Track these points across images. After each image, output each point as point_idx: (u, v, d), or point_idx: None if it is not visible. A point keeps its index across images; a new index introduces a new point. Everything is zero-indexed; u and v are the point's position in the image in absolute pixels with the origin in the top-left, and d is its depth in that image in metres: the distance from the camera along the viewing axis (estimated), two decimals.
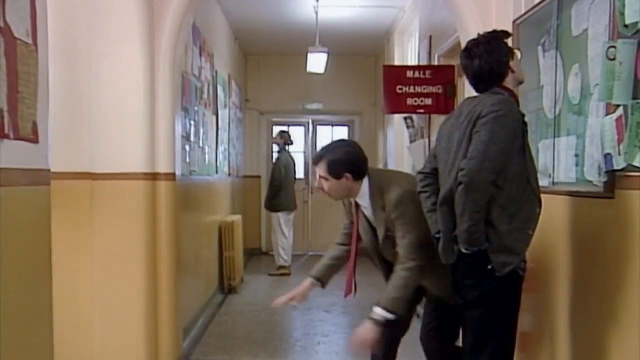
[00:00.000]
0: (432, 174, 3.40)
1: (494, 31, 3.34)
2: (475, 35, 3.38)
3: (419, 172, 3.51)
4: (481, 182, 2.97)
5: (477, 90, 3.28)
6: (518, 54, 3.28)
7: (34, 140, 2.50)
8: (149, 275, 4.81)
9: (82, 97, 4.61)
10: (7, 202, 2.27)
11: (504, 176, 3.02)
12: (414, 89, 6.76)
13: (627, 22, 2.81)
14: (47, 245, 2.69)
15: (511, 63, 3.20)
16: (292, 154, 10.35)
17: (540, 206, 3.12)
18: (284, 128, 11.24)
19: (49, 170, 2.68)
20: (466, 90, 5.26)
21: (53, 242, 2.76)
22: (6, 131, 2.25)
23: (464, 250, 3.09)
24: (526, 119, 3.19)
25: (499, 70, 3.18)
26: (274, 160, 10.30)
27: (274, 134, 10.58)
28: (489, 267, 3.03)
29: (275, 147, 10.45)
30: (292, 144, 10.25)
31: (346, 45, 10.91)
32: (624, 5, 2.83)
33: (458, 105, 3.43)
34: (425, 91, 6.74)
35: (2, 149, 2.22)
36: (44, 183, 2.63)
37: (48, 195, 2.69)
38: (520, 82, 3.33)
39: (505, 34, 3.30)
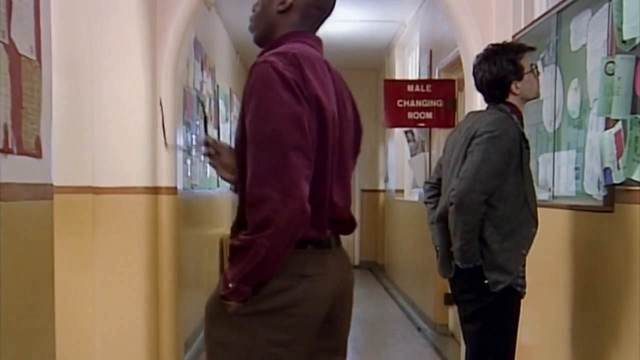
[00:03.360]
0: (438, 185, 3.40)
1: (499, 45, 3.27)
2: (474, 50, 3.40)
3: (426, 182, 3.52)
4: (471, 203, 2.98)
5: (484, 100, 3.29)
6: (535, 71, 3.20)
7: (38, 155, 2.52)
8: (150, 288, 4.81)
9: (84, 111, 4.64)
10: (10, 217, 2.29)
11: (498, 196, 3.02)
12: (415, 103, 6.79)
13: (625, 38, 2.83)
14: (49, 259, 2.70)
15: (519, 84, 3.13)
16: None
17: (536, 226, 3.12)
18: None
19: (52, 184, 2.69)
20: (467, 104, 5.29)
21: (55, 255, 2.77)
22: (10, 146, 2.26)
23: (460, 266, 3.10)
24: (527, 137, 3.18)
25: (495, 91, 3.16)
26: None
27: None
28: (486, 282, 3.04)
29: None
30: None
31: (347, 59, 10.94)
32: (621, 22, 2.85)
33: (463, 118, 3.43)
34: (426, 105, 6.77)
35: (6, 164, 2.23)
36: (46, 198, 2.65)
37: (51, 209, 2.70)
38: (531, 99, 3.28)
39: (517, 49, 3.20)
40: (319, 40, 2.29)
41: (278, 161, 1.91)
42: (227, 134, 8.86)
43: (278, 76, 1.96)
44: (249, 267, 1.94)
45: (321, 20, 2.29)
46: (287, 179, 1.91)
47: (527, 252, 3.10)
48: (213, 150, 2.31)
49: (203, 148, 2.34)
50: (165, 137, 2.49)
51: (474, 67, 3.26)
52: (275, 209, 1.89)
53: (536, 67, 3.23)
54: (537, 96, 3.32)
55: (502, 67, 3.14)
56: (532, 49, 3.29)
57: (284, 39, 2.15)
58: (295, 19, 2.19)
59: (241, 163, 2.06)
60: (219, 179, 8.82)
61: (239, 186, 2.15)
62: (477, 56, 3.27)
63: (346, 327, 2.28)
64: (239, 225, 2.07)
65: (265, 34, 2.23)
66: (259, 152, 1.94)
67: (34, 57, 2.46)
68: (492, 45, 3.28)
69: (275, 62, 1.98)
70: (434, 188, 3.42)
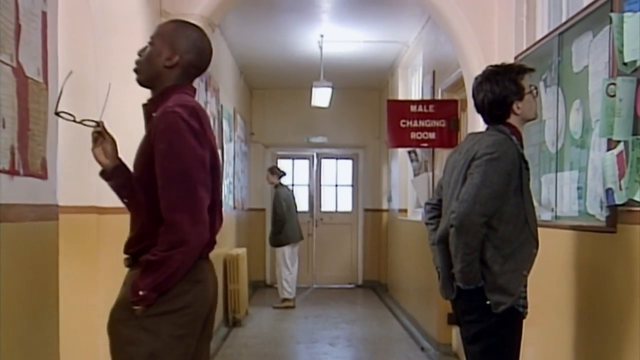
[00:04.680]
0: (438, 206, 3.39)
1: (499, 66, 3.28)
2: (477, 71, 3.41)
3: (427, 203, 3.51)
4: (471, 226, 2.97)
5: (483, 120, 3.29)
6: (534, 92, 3.20)
7: (43, 176, 2.54)
8: None
9: (89, 131, 4.66)
10: (16, 238, 2.30)
11: (498, 217, 3.02)
12: (418, 123, 6.81)
13: (626, 60, 2.86)
14: (54, 280, 2.71)
15: (520, 104, 3.13)
16: (290, 187, 10.59)
17: (537, 247, 3.11)
18: (278, 164, 11.35)
19: (57, 205, 2.71)
20: (469, 124, 5.31)
21: (60, 276, 2.79)
22: (16, 168, 2.29)
23: (462, 287, 3.10)
24: (527, 157, 3.18)
25: (497, 111, 3.15)
26: (273, 196, 10.23)
27: (266, 175, 10.52)
28: (488, 302, 3.04)
29: (272, 186, 10.38)
30: (285, 174, 10.31)
31: (350, 79, 11.00)
32: (622, 44, 2.88)
33: (462, 140, 3.44)
34: (429, 125, 6.80)
35: (12, 186, 2.25)
36: (52, 218, 2.67)
37: (56, 230, 2.72)
38: (530, 120, 3.28)
39: (518, 70, 3.21)
40: (194, 90, 2.73)
41: (189, 193, 2.40)
42: (230, 153, 8.89)
43: (185, 125, 2.41)
44: (162, 278, 2.38)
45: (197, 76, 2.73)
46: (196, 207, 2.41)
47: (528, 273, 3.09)
48: (100, 135, 2.76)
49: (95, 127, 2.76)
50: (58, 104, 2.64)
51: (474, 88, 3.25)
52: (188, 232, 2.37)
53: (535, 88, 3.24)
54: (536, 117, 3.33)
55: (504, 87, 3.14)
56: (532, 70, 3.31)
57: (173, 90, 2.58)
58: (177, 74, 2.61)
59: (145, 187, 2.51)
60: (223, 199, 8.85)
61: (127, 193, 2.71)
62: (477, 77, 3.27)
63: (214, 318, 2.76)
64: (138, 240, 2.55)
65: (150, 81, 2.63)
66: (173, 185, 2.40)
67: (40, 80, 2.49)
68: (492, 66, 3.29)
69: (181, 112, 2.43)
70: (435, 209, 3.41)
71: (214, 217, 2.58)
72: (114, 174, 2.73)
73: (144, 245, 2.47)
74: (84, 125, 2.72)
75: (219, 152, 7.90)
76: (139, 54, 2.66)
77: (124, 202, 2.78)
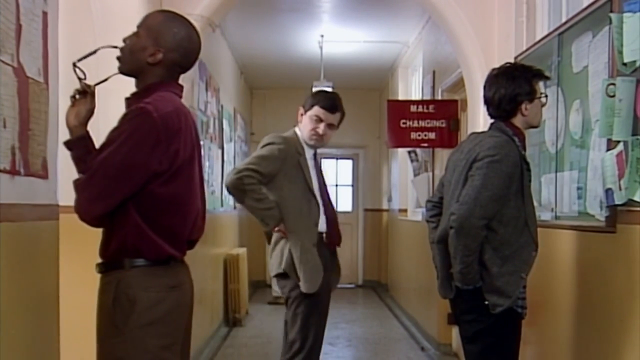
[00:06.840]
0: (440, 204, 3.38)
1: (517, 64, 3.25)
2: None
3: (428, 201, 3.51)
4: (471, 228, 2.98)
5: (488, 113, 3.28)
6: (543, 99, 3.22)
7: (44, 176, 2.54)
8: None
9: (90, 131, 4.66)
10: (17, 238, 2.31)
11: (498, 219, 3.02)
12: (418, 123, 6.82)
13: (626, 60, 2.86)
14: (55, 279, 2.72)
15: (528, 106, 3.13)
16: None
17: (536, 250, 3.11)
18: None
19: (57, 205, 2.71)
20: (470, 124, 5.31)
21: (60, 276, 2.79)
22: (17, 168, 2.29)
23: (460, 287, 3.10)
24: (528, 159, 3.18)
25: (506, 107, 3.14)
26: None
27: None
28: (486, 302, 3.04)
29: None
30: None
31: (351, 79, 11.00)
32: (622, 45, 2.88)
33: (465, 139, 3.43)
34: (429, 125, 6.80)
35: (13, 186, 2.26)
36: (53, 218, 2.67)
37: (57, 230, 2.73)
38: (533, 126, 3.29)
39: (535, 73, 3.20)
40: (181, 87, 2.65)
41: (111, 191, 2.44)
42: (230, 153, 8.89)
43: (150, 128, 2.39)
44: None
45: (181, 74, 2.64)
46: (109, 203, 2.49)
47: (527, 275, 3.09)
48: (83, 97, 2.58)
49: (85, 85, 2.59)
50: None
51: (488, 79, 3.24)
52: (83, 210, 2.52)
53: (546, 96, 3.24)
54: (539, 125, 3.32)
55: (518, 85, 3.13)
56: (547, 77, 3.31)
57: (158, 87, 2.51)
58: (160, 73, 2.53)
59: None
60: (223, 199, 8.74)
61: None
62: (493, 69, 3.25)
63: (191, 325, 2.69)
64: (107, 243, 2.61)
65: (132, 74, 2.58)
66: (105, 176, 2.41)
67: (41, 80, 2.49)
68: (510, 63, 3.29)
69: (153, 112, 2.38)
70: (436, 207, 3.41)
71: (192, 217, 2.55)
72: (77, 144, 2.53)
73: (119, 246, 2.49)
74: (80, 80, 2.58)
75: (219, 151, 7.93)
76: (124, 40, 2.58)
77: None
